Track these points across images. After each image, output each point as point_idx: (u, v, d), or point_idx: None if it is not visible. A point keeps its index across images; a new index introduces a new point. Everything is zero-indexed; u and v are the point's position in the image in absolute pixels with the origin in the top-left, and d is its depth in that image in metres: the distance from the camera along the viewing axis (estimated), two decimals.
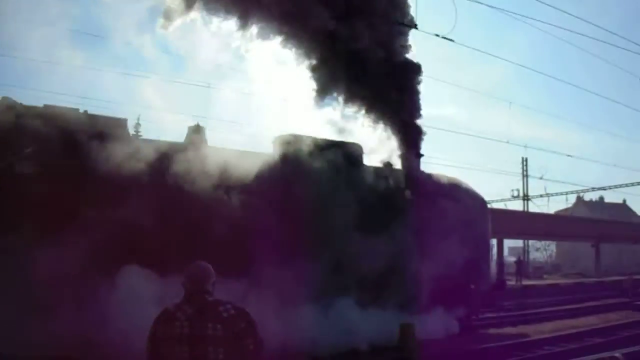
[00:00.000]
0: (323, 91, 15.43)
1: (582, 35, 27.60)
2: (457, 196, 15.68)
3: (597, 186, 55.13)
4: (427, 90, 23.57)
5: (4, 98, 10.39)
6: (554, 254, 77.55)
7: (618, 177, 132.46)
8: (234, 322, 3.94)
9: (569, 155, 30.24)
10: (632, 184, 51.71)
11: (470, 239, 14.83)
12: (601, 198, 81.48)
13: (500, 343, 13.47)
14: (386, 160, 15.48)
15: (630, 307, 21.04)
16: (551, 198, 52.68)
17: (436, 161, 50.95)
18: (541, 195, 51.47)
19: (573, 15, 49.67)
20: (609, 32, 26.74)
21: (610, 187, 53.31)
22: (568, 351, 12.52)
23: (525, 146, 46.76)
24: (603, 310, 20.62)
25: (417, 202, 14.16)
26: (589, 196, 76.83)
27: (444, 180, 16.33)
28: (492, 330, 16.54)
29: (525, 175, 48.69)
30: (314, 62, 15.24)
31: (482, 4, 24.53)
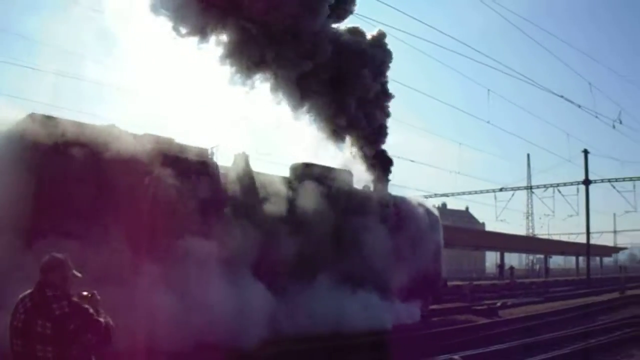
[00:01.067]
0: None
1: (433, 43, 27.75)
2: (421, 213, 19.36)
3: (440, 192, 56.88)
4: None
5: (111, 125, 11.47)
6: None
7: (461, 185, 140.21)
8: (65, 322, 3.72)
9: (411, 161, 30.61)
10: (475, 192, 53.89)
11: (429, 248, 19.15)
12: (444, 204, 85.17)
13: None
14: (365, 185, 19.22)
15: (470, 312, 20.96)
16: None
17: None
18: None
19: (426, 24, 50.72)
20: (461, 42, 27.13)
21: (453, 194, 55.23)
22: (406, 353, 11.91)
23: None
24: (443, 314, 20.35)
25: (396, 220, 17.81)
26: (431, 202, 79.53)
27: (412, 201, 20.05)
28: None
29: None
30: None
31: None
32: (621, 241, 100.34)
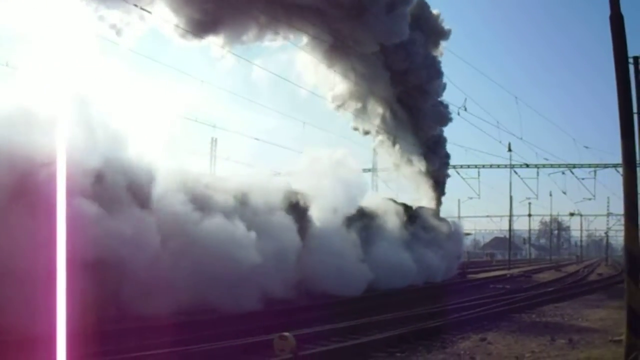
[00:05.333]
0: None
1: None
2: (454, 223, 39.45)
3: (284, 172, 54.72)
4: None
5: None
6: None
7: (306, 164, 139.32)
8: None
9: (256, 139, 30.25)
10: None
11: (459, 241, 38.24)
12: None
13: None
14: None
15: None
16: None
17: None
18: None
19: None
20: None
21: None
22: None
23: (214, 126, 44.14)
24: None
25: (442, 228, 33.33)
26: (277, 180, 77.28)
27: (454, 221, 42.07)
28: None
29: (213, 156, 45.70)
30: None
31: None
32: (465, 227, 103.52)
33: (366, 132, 36.97)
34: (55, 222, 4.10)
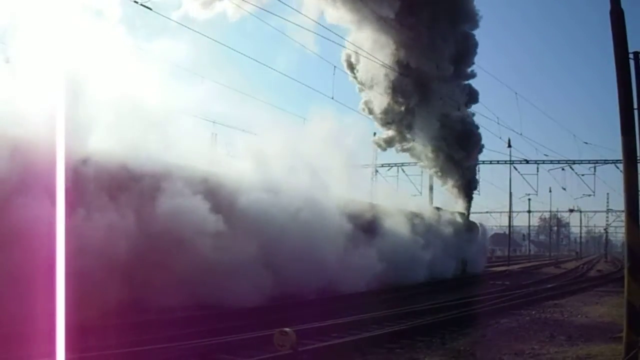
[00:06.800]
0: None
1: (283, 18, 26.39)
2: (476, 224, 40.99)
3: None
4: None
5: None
6: None
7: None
8: None
9: (255, 134, 30.25)
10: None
11: (482, 240, 41.08)
12: None
13: None
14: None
15: None
16: None
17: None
18: None
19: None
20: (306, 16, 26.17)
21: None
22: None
23: (214, 122, 43.68)
24: None
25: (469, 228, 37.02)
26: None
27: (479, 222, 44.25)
28: None
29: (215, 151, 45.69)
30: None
31: None
32: None
33: (370, 111, 35.70)
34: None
